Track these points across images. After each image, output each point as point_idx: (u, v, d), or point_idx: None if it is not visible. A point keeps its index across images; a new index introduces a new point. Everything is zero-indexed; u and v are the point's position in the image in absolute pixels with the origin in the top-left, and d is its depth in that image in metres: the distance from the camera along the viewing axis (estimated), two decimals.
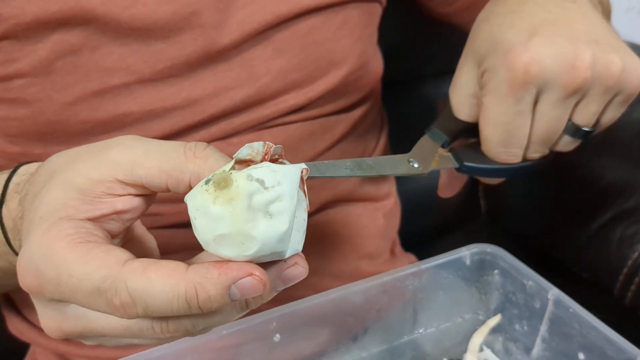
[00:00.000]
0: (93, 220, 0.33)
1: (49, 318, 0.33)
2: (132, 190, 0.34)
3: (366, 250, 0.67)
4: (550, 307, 0.50)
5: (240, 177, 0.29)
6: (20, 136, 0.52)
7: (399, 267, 0.70)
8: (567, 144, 0.49)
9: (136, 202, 0.35)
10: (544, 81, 0.44)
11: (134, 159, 0.34)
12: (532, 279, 0.52)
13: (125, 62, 0.50)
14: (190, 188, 0.33)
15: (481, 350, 0.57)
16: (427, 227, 0.88)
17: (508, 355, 0.55)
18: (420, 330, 0.56)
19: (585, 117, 0.46)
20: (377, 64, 0.66)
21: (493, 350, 0.57)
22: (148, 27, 0.49)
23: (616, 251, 0.73)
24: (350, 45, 0.59)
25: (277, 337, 0.50)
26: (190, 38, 0.51)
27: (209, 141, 0.56)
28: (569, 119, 0.47)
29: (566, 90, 0.44)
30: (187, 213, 0.31)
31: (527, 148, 0.48)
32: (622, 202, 0.75)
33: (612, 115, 0.48)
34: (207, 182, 0.30)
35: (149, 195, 0.35)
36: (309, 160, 0.60)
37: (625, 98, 0.46)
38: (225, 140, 0.56)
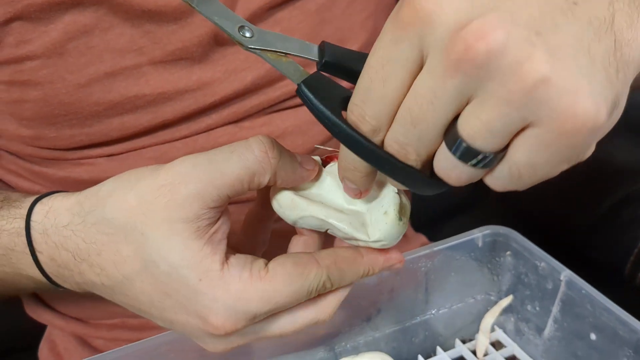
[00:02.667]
0: (225, 239, 0.37)
1: (227, 344, 0.38)
2: (223, 208, 0.37)
3: None
4: (562, 288, 0.50)
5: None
6: (33, 119, 0.53)
7: (410, 248, 0.70)
8: (447, 163, 0.29)
9: (227, 216, 0.38)
10: (430, 32, 0.27)
11: (215, 184, 0.36)
12: (545, 260, 0.52)
13: (137, 43, 0.50)
14: (270, 183, 0.38)
15: (493, 330, 0.57)
16: (438, 208, 0.88)
17: (520, 336, 0.56)
18: (433, 311, 0.57)
19: (470, 124, 0.27)
20: None
21: (505, 331, 0.57)
22: (159, 9, 0.49)
23: (627, 232, 0.73)
24: (362, 22, 0.58)
25: None
26: (201, 19, 0.51)
27: (221, 125, 0.56)
28: (453, 122, 0.29)
29: (448, 58, 0.26)
30: None
31: (386, 126, 0.31)
32: (633, 183, 0.75)
33: (526, 155, 0.28)
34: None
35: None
36: (320, 143, 0.60)
37: (543, 134, 0.27)
38: (237, 124, 0.56)
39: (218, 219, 0.37)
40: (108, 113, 0.52)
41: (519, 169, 0.28)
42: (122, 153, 0.55)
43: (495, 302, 0.57)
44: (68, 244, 0.38)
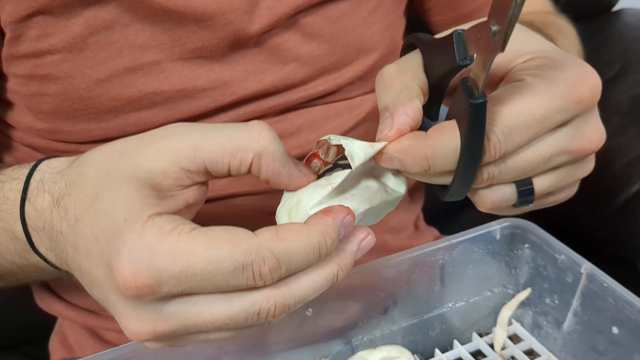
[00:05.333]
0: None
1: (142, 321, 0.32)
2: (197, 178, 0.35)
3: (391, 224, 0.67)
4: (583, 281, 0.50)
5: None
6: (50, 113, 0.52)
7: (423, 241, 0.70)
8: (504, 197, 0.37)
9: (202, 191, 0.36)
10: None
11: (195, 144, 0.34)
12: (565, 253, 0.51)
13: (157, 39, 0.50)
14: (251, 168, 0.35)
15: (510, 324, 0.57)
16: (449, 202, 0.88)
17: (538, 329, 0.55)
18: (450, 304, 0.56)
19: (542, 185, 0.38)
20: None
21: (522, 324, 0.57)
22: (179, 10, 0.49)
23: None
24: (381, 32, 0.59)
25: (309, 311, 0.50)
26: (222, 23, 0.51)
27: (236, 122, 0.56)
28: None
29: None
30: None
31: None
32: None
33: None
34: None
35: (206, 183, 0.36)
36: None
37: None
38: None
39: (187, 186, 0.35)
40: (126, 108, 0.52)
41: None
42: None
43: (513, 295, 0.57)
44: (54, 189, 0.37)
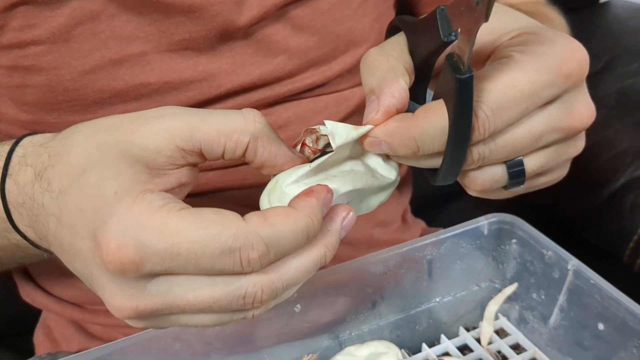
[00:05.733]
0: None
1: (125, 297, 0.31)
2: (191, 159, 0.34)
3: (379, 218, 0.66)
4: (570, 277, 0.50)
5: None
6: (34, 104, 0.51)
7: (411, 233, 0.70)
8: (495, 177, 0.36)
9: (194, 173, 0.35)
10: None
11: (191, 125, 0.33)
12: (552, 249, 0.52)
13: (144, 30, 0.49)
14: (246, 151, 0.34)
15: (497, 318, 0.57)
16: (436, 193, 0.88)
17: (524, 324, 0.56)
18: (437, 299, 0.56)
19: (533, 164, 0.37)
20: None
21: (509, 319, 0.57)
22: (167, 1, 0.48)
23: (627, 218, 0.73)
24: (371, 24, 0.58)
25: (297, 307, 0.50)
26: (210, 14, 0.50)
27: None
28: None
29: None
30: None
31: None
32: (634, 169, 0.75)
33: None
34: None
35: (197, 166, 0.35)
36: None
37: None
38: None
39: (180, 166, 0.34)
40: (112, 100, 0.51)
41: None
42: None
43: (500, 290, 0.57)
44: (36, 162, 0.35)
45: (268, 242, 0.31)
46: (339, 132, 0.35)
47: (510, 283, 0.56)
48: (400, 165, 0.39)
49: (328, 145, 0.38)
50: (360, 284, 0.52)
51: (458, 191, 0.38)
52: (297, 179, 0.35)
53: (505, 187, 0.37)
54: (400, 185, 0.70)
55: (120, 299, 0.31)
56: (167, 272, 0.31)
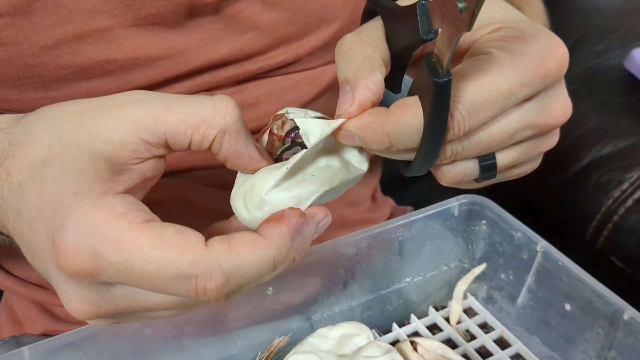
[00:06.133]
0: (129, 192, 0.31)
1: (84, 301, 0.30)
2: (156, 151, 0.32)
3: (349, 198, 0.66)
4: (538, 259, 0.51)
5: None
6: None
7: (380, 212, 0.70)
8: (467, 170, 0.36)
9: (160, 165, 0.33)
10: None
11: (156, 115, 0.31)
12: (521, 230, 0.52)
13: (108, 4, 0.47)
14: (212, 145, 0.33)
15: (465, 297, 0.58)
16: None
17: (492, 303, 0.57)
18: (407, 279, 0.57)
19: (504, 161, 0.38)
20: None
21: (477, 298, 0.58)
22: None
23: (591, 198, 0.75)
24: (343, 2, 0.57)
25: (269, 290, 0.49)
26: None
27: (192, 92, 0.54)
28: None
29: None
30: None
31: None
32: (599, 149, 0.76)
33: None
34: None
35: (164, 157, 0.34)
36: None
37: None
38: (209, 92, 0.55)
39: (145, 159, 0.32)
40: (75, 77, 0.49)
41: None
42: None
43: (469, 270, 0.58)
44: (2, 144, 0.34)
45: (228, 273, 0.29)
46: (312, 130, 0.34)
47: (479, 263, 0.57)
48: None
49: (293, 129, 0.38)
50: (332, 266, 0.52)
51: None
52: (275, 183, 0.34)
53: (476, 180, 0.37)
54: (371, 166, 0.69)
55: (77, 302, 0.30)
56: (123, 284, 0.30)
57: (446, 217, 0.55)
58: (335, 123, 0.34)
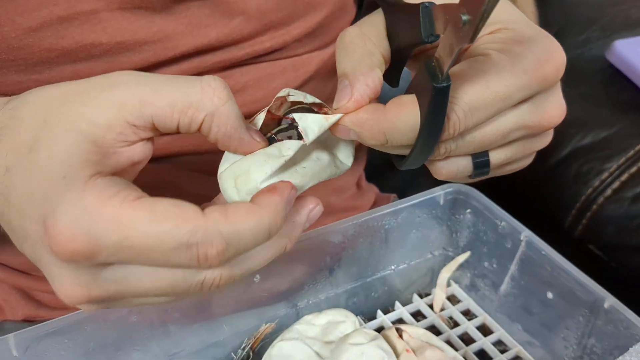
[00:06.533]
0: (117, 175, 0.31)
1: (76, 284, 0.30)
2: (143, 134, 0.32)
3: (335, 185, 0.66)
4: (522, 248, 0.52)
5: None
6: None
7: (365, 200, 0.71)
8: (460, 168, 0.37)
9: (148, 148, 0.33)
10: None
11: (142, 98, 0.31)
12: (505, 220, 0.53)
13: None
14: (201, 127, 0.32)
15: (449, 285, 0.59)
16: (388, 159, 0.88)
17: (475, 291, 0.58)
18: (392, 267, 0.57)
19: (498, 159, 0.38)
20: (351, 6, 0.63)
21: (460, 286, 0.59)
22: None
23: (571, 187, 0.76)
24: None
25: (256, 277, 0.50)
26: None
27: None
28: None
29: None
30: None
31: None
32: (580, 139, 0.77)
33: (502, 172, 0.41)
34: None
35: (152, 139, 0.33)
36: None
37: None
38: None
39: (132, 142, 0.32)
40: (60, 60, 0.48)
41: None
42: None
43: (453, 258, 0.58)
44: None
45: (228, 239, 0.29)
46: (310, 127, 0.34)
47: (464, 251, 0.58)
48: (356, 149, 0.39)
49: (291, 112, 0.37)
50: (319, 253, 0.53)
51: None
52: (272, 173, 0.34)
53: (470, 176, 0.38)
54: (356, 154, 0.70)
55: (70, 286, 0.30)
56: (122, 262, 0.30)
57: (432, 205, 0.56)
58: (333, 118, 0.34)
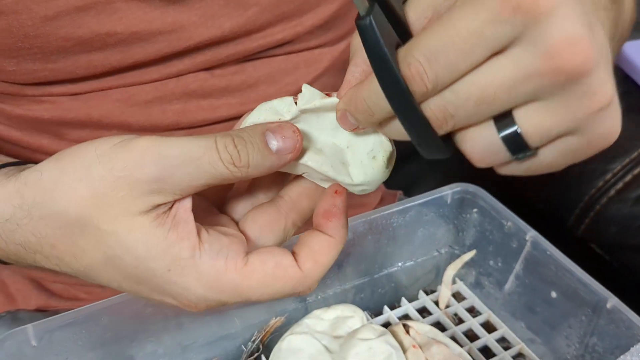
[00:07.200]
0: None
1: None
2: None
3: None
4: (527, 248, 0.53)
5: None
6: None
7: (372, 197, 0.72)
8: (489, 147, 0.30)
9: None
10: (537, 27, 0.27)
11: (175, 182, 0.33)
12: (512, 220, 0.54)
13: None
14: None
15: (454, 282, 0.60)
16: (433, 158, 0.89)
17: (480, 288, 0.59)
18: (399, 264, 0.58)
19: (532, 123, 0.29)
20: None
21: (465, 283, 0.60)
22: None
23: (574, 186, 0.77)
24: None
25: None
26: None
27: (193, 71, 0.54)
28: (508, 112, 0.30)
29: (543, 61, 0.28)
30: None
31: (437, 92, 0.29)
32: None
33: (554, 158, 0.30)
34: None
35: None
36: (292, 93, 0.59)
37: (579, 145, 0.30)
38: (209, 71, 0.55)
39: (178, 200, 0.34)
40: (75, 49, 0.49)
41: (539, 167, 0.30)
42: (87, 92, 0.52)
43: (459, 256, 0.59)
44: (15, 238, 0.35)
45: (319, 278, 0.36)
46: (305, 95, 0.35)
47: (469, 250, 0.59)
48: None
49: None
50: None
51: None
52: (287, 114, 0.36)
53: (512, 157, 0.30)
54: None
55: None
56: None
57: (439, 204, 0.57)
58: (327, 100, 0.34)
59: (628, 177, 0.74)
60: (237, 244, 0.35)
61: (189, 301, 0.35)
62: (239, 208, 0.40)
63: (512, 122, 0.29)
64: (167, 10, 0.50)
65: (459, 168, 0.72)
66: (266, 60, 0.57)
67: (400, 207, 0.55)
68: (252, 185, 0.40)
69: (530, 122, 0.29)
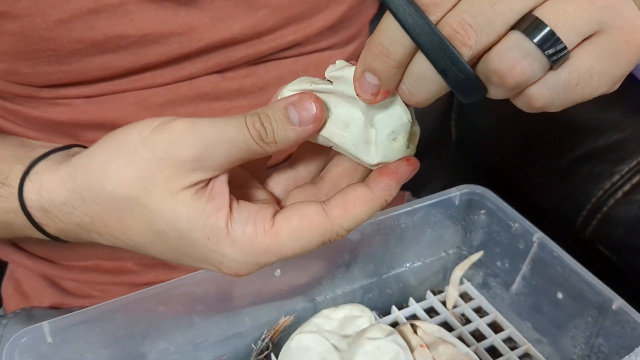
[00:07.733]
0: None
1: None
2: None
3: None
4: (534, 249, 0.53)
5: None
6: (7, 53, 0.50)
7: None
8: (518, 52, 0.28)
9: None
10: None
11: (214, 158, 0.35)
12: (519, 221, 0.55)
13: None
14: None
15: (462, 283, 0.60)
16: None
17: (487, 289, 0.59)
18: (407, 264, 0.59)
19: (556, 13, 0.28)
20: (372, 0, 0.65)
21: (473, 284, 0.60)
22: None
23: (582, 188, 0.77)
24: None
25: (277, 272, 0.51)
26: None
27: (204, 73, 0.55)
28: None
29: None
30: None
31: (450, 3, 0.29)
32: (592, 141, 0.78)
33: (589, 61, 0.29)
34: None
35: None
36: None
37: (611, 42, 0.29)
38: (221, 73, 0.56)
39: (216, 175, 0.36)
40: (89, 52, 0.50)
41: (577, 77, 0.29)
42: (101, 95, 0.53)
43: (466, 257, 0.60)
44: (72, 219, 0.38)
45: (349, 228, 0.36)
46: (337, 65, 0.37)
47: (477, 251, 0.59)
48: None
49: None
50: (337, 250, 0.55)
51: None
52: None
53: (549, 57, 0.28)
54: None
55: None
56: None
57: (447, 205, 0.58)
58: (352, 68, 0.35)
59: (635, 179, 0.74)
60: (265, 208, 0.36)
61: (229, 268, 0.36)
62: (281, 181, 0.41)
63: (539, 22, 0.28)
64: (178, 12, 0.51)
65: (467, 170, 0.72)
66: (277, 62, 0.58)
67: (409, 208, 0.55)
68: (293, 160, 0.42)
69: (552, 14, 0.28)
